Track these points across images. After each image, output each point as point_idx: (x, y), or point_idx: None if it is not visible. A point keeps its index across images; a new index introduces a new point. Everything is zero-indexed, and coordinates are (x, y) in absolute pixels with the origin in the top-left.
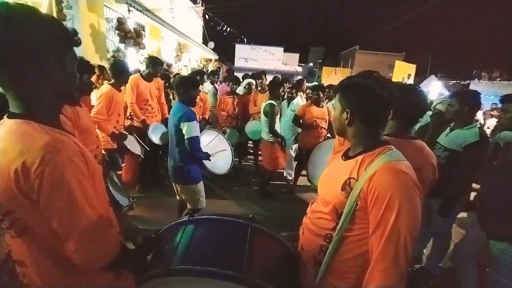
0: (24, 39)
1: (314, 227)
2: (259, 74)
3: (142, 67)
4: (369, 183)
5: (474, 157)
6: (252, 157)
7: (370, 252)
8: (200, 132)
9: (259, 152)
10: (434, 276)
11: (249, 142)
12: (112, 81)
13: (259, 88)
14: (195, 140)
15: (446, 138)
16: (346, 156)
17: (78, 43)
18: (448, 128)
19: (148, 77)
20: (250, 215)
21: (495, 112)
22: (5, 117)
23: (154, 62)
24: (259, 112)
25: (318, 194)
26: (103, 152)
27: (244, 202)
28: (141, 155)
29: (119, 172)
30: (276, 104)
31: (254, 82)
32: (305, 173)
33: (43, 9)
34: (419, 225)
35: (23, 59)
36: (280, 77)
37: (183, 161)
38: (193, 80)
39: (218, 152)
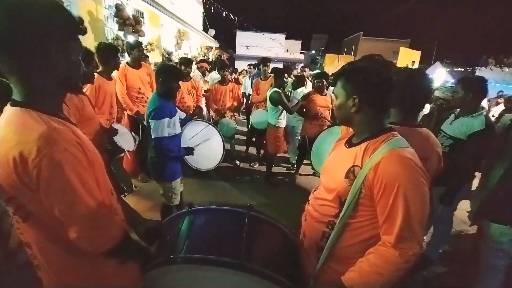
0: (27, 26)
1: (316, 214)
2: (264, 61)
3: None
4: (375, 172)
5: (479, 146)
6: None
7: (381, 237)
8: (186, 123)
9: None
10: (433, 262)
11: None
12: (100, 68)
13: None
14: (161, 141)
15: (450, 126)
16: (350, 144)
17: (83, 31)
18: (453, 115)
19: (135, 64)
20: (248, 204)
21: (501, 100)
22: (8, 104)
23: (132, 46)
24: (263, 101)
25: (321, 181)
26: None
27: (246, 191)
28: (133, 148)
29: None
30: (280, 91)
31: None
32: (308, 162)
33: None
34: (427, 210)
35: (26, 47)
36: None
37: (157, 157)
38: (175, 70)
39: (204, 143)
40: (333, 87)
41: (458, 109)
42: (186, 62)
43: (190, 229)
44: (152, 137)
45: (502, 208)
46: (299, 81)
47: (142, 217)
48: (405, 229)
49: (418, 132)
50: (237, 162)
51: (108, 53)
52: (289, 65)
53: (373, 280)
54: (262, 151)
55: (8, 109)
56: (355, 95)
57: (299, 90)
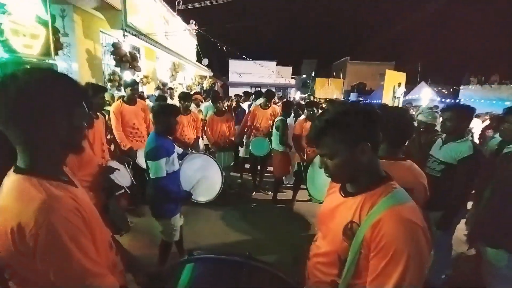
0: (36, 100)
1: (318, 273)
2: (269, 94)
3: (139, 88)
4: (373, 232)
5: (469, 170)
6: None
7: None
8: (184, 157)
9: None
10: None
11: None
12: None
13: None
14: (159, 181)
15: (440, 151)
16: (345, 192)
17: (89, 99)
18: (440, 140)
19: (130, 101)
20: (248, 253)
21: (486, 117)
22: (11, 170)
23: (127, 85)
24: (259, 128)
25: (319, 230)
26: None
27: (244, 219)
28: (130, 184)
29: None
30: (286, 120)
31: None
32: (304, 187)
33: (41, 40)
34: (425, 275)
35: (33, 119)
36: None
37: (156, 195)
38: (172, 107)
39: (203, 173)
40: None
41: (443, 134)
42: (186, 96)
43: (189, 281)
44: (151, 177)
45: (492, 232)
46: (287, 109)
47: (140, 262)
48: None
49: (402, 164)
50: (232, 191)
51: (92, 93)
52: (270, 89)
53: None
54: (258, 179)
55: (12, 176)
56: (363, 142)
57: (302, 118)
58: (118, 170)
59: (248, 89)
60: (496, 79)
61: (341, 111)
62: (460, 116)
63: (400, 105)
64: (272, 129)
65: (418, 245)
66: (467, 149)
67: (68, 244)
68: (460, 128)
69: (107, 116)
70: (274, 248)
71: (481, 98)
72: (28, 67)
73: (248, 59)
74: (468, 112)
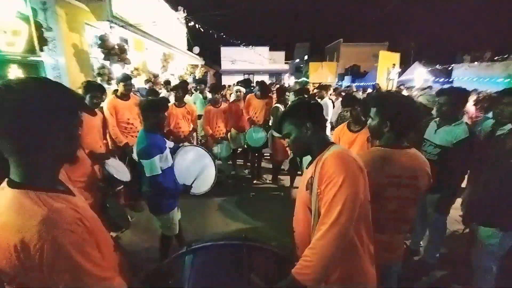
0: (30, 110)
1: (298, 227)
2: (266, 87)
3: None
4: (320, 174)
5: (465, 153)
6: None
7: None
8: (176, 151)
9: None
10: (432, 267)
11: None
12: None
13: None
14: (156, 179)
15: (436, 135)
16: (309, 164)
17: (85, 107)
18: (434, 123)
19: (123, 96)
20: (243, 235)
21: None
22: (5, 183)
23: (121, 80)
24: (255, 117)
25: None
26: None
27: (242, 208)
28: (130, 179)
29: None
30: (281, 107)
31: (243, 89)
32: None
33: (23, 36)
34: (360, 194)
35: (28, 129)
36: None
37: (152, 191)
38: (159, 102)
39: (197, 166)
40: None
41: (437, 117)
42: (181, 88)
43: (191, 270)
44: (147, 175)
45: (488, 212)
46: (282, 96)
47: (137, 260)
48: (332, 208)
49: (406, 152)
50: (229, 181)
51: (89, 91)
52: (263, 81)
53: (310, 267)
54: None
55: (7, 191)
56: (306, 122)
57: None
58: (117, 164)
59: (241, 77)
60: (489, 56)
61: (291, 105)
62: (455, 99)
63: (394, 86)
64: (269, 119)
65: (347, 164)
66: (463, 132)
67: (74, 256)
68: (455, 111)
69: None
70: (274, 234)
71: (474, 77)
72: (13, 66)
73: (240, 45)
74: (463, 96)
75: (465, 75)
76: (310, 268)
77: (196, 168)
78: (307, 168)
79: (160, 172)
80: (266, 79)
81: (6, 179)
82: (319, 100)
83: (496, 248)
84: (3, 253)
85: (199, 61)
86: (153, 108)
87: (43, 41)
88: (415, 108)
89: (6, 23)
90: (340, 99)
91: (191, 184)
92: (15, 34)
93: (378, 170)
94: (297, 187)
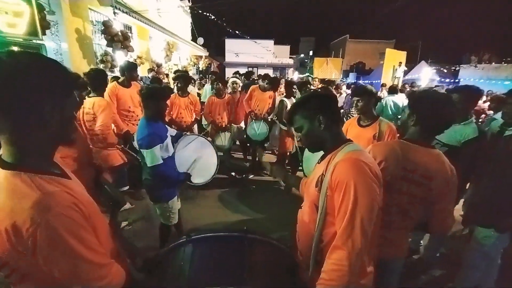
0: (22, 86)
1: (303, 228)
2: (277, 81)
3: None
4: (332, 175)
5: (473, 152)
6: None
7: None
8: (178, 139)
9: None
10: (432, 265)
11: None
12: (92, 94)
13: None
14: (157, 168)
15: (444, 134)
16: (321, 159)
17: (80, 86)
18: None
19: (126, 83)
20: (245, 227)
21: (487, 98)
22: None
23: (128, 68)
24: (257, 110)
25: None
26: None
27: (243, 201)
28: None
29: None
30: (287, 101)
31: (239, 81)
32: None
33: (25, 18)
34: (376, 206)
35: (20, 106)
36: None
37: (152, 180)
38: (161, 90)
39: (198, 155)
40: None
41: None
42: (182, 78)
43: (191, 260)
44: (149, 165)
45: (486, 212)
46: (289, 89)
47: (136, 247)
48: (350, 223)
49: (428, 151)
50: (233, 174)
51: (99, 78)
52: (276, 77)
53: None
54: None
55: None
56: (319, 115)
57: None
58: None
59: (245, 70)
60: (496, 58)
61: (303, 97)
62: (468, 98)
63: (400, 85)
64: (271, 112)
65: (363, 175)
66: (472, 131)
67: (69, 240)
68: (465, 110)
69: None
70: (273, 227)
71: (480, 78)
72: (14, 48)
73: (245, 37)
74: (476, 94)
75: (472, 76)
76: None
77: (197, 156)
78: (319, 163)
79: (162, 161)
80: (270, 73)
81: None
82: None
83: (491, 249)
84: None
85: (203, 52)
86: (154, 96)
87: (45, 24)
88: (447, 107)
89: (7, 3)
90: (345, 94)
91: (190, 170)
92: (16, 15)
93: (395, 161)
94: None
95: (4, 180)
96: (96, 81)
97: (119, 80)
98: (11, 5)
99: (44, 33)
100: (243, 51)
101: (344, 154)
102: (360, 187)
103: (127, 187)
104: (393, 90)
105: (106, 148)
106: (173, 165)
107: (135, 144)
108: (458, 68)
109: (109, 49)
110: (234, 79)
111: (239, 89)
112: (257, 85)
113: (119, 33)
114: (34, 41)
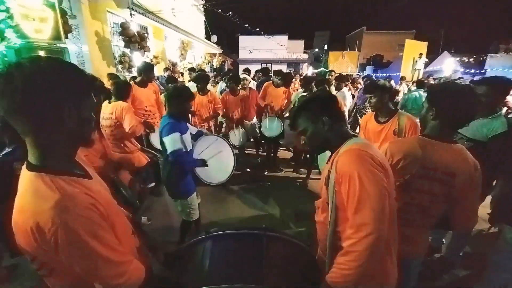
0: (42, 90)
1: (320, 227)
2: (290, 76)
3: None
4: (336, 170)
5: (502, 148)
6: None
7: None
8: (197, 138)
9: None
10: (454, 265)
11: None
12: (113, 99)
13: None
14: (177, 153)
15: (468, 128)
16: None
17: (97, 88)
18: None
19: (142, 84)
20: (264, 225)
21: None
22: (24, 167)
23: (145, 69)
24: (270, 105)
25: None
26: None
27: (260, 198)
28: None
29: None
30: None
31: (249, 78)
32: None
33: (50, 23)
34: (384, 193)
35: (40, 109)
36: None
37: (172, 176)
38: (188, 92)
39: (216, 155)
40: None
41: None
42: (201, 78)
43: (210, 256)
44: (168, 152)
45: None
46: (307, 85)
47: (158, 241)
48: (359, 211)
49: (450, 147)
50: (248, 170)
51: (126, 90)
52: (289, 73)
53: (347, 276)
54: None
55: (25, 173)
56: (322, 117)
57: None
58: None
59: (259, 66)
60: None
61: (304, 100)
62: (497, 90)
63: (420, 77)
64: (285, 108)
65: (366, 163)
66: (501, 125)
67: (87, 240)
68: (494, 103)
69: None
70: (289, 223)
71: (510, 68)
72: (37, 54)
73: (259, 33)
74: (506, 86)
75: (499, 65)
76: (346, 276)
77: (214, 155)
78: (327, 162)
79: (181, 147)
80: (284, 68)
81: (25, 161)
82: (335, 91)
83: None
84: (23, 235)
85: (217, 50)
86: (180, 96)
87: (67, 28)
88: (467, 98)
89: (34, 10)
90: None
91: (206, 163)
92: (42, 21)
93: (413, 159)
94: (313, 178)
95: (29, 181)
96: (122, 92)
97: (136, 80)
98: (37, 11)
99: (66, 37)
100: (257, 47)
101: (346, 147)
102: (364, 176)
103: (153, 184)
104: (421, 85)
105: (127, 152)
106: (191, 159)
107: (151, 140)
108: (485, 57)
109: (127, 50)
110: (244, 75)
111: (249, 85)
112: (271, 81)
113: (136, 34)
114: (58, 45)
